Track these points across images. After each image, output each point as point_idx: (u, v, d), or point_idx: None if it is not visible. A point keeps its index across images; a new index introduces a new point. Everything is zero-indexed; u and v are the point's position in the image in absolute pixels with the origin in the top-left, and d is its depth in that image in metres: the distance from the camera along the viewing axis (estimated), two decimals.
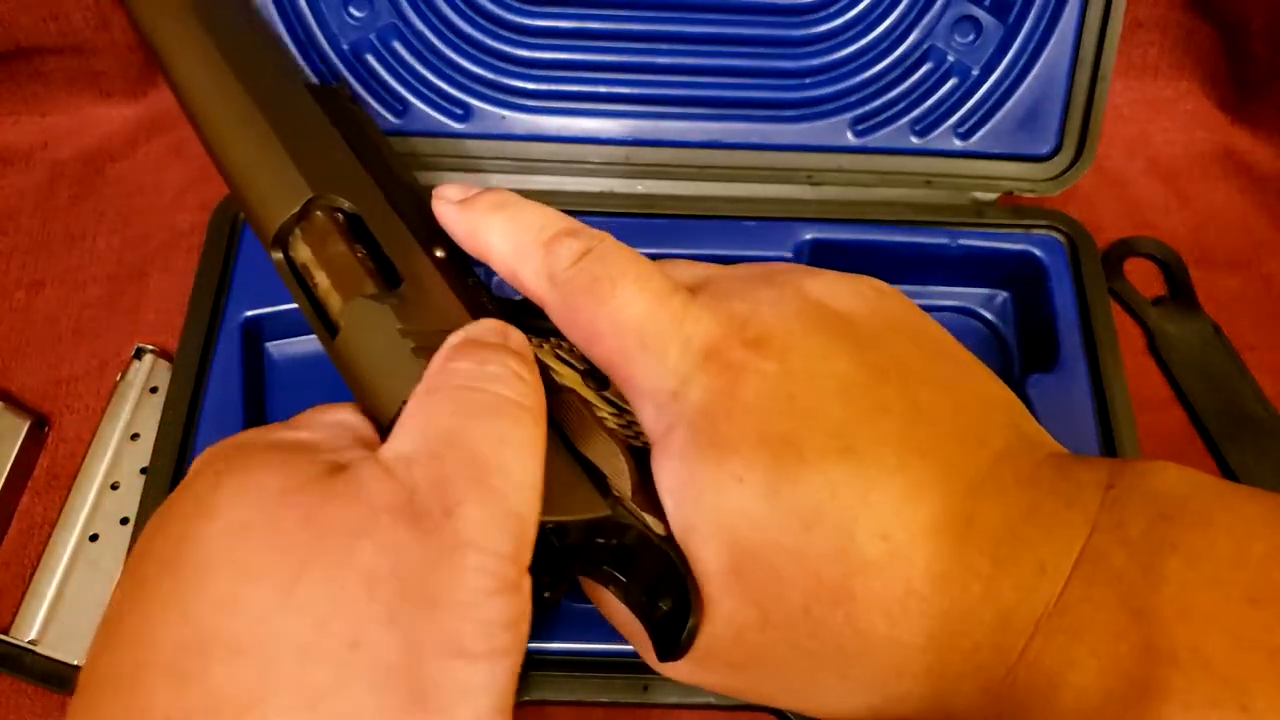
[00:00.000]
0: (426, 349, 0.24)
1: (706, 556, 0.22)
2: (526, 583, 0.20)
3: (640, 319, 0.24)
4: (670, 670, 0.24)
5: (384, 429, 0.23)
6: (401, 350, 0.24)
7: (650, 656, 0.24)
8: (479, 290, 0.27)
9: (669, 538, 0.23)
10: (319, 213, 0.27)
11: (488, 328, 0.24)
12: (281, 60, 0.33)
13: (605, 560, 0.24)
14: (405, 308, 0.25)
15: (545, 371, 0.25)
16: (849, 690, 0.22)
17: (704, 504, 0.22)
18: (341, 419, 0.23)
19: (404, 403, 0.22)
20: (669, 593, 0.22)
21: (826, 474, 0.21)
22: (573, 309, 0.24)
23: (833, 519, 0.21)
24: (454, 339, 0.23)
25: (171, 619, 0.18)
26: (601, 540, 0.23)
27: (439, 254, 0.27)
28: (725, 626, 0.22)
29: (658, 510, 0.23)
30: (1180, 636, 0.19)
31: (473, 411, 0.21)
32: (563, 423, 0.24)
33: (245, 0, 0.35)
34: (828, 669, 0.22)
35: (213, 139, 0.28)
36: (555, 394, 0.24)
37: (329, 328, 0.25)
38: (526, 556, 0.20)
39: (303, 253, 0.26)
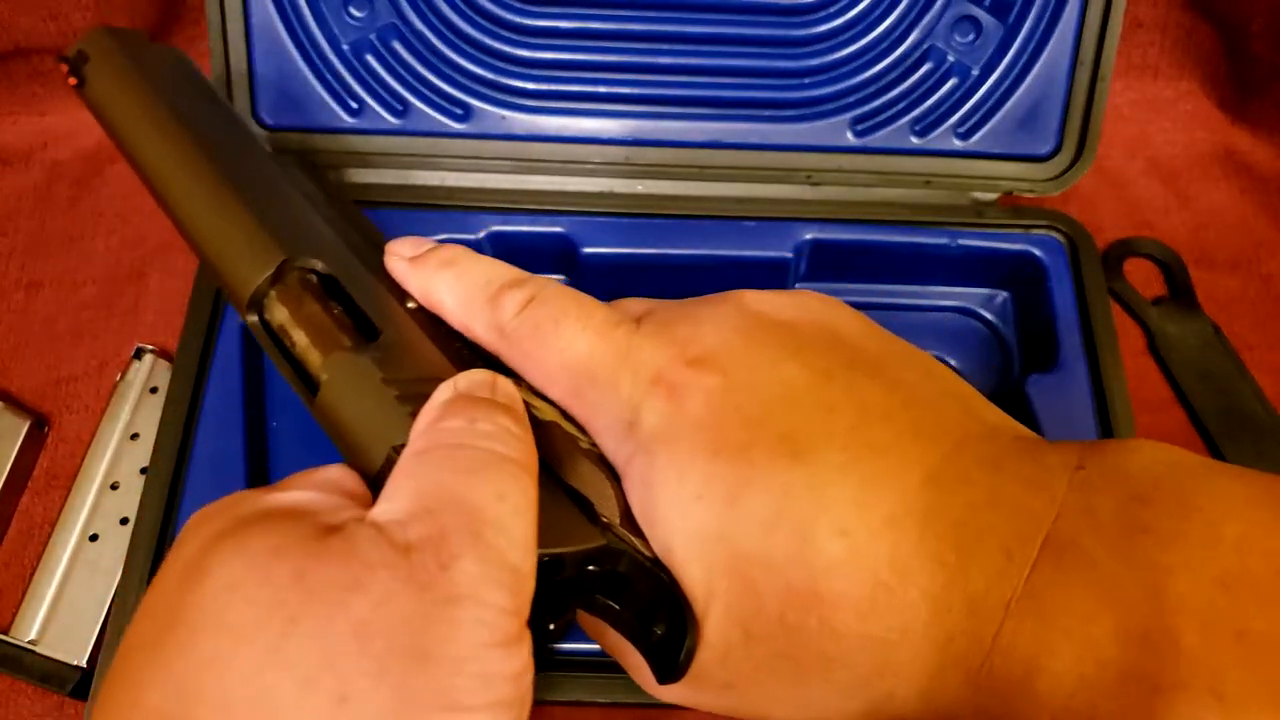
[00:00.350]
0: (410, 398, 0.23)
1: (684, 578, 0.22)
2: (527, 636, 0.20)
3: (587, 356, 0.24)
4: (666, 694, 0.24)
5: (372, 481, 0.23)
6: (385, 401, 0.24)
7: (644, 679, 0.24)
8: (455, 336, 0.27)
9: (657, 560, 0.23)
10: (292, 274, 0.26)
11: (475, 381, 0.24)
12: (240, 127, 0.33)
13: (598, 588, 0.24)
14: (385, 359, 0.24)
15: (527, 408, 0.25)
16: (838, 696, 0.22)
17: (673, 527, 0.22)
18: (331, 478, 0.23)
19: (392, 451, 0.22)
20: (663, 615, 0.22)
21: (779, 478, 0.22)
22: (524, 355, 0.25)
23: (791, 522, 0.21)
24: (441, 395, 0.23)
25: (159, 679, 0.18)
26: (594, 568, 0.23)
27: (411, 305, 0.27)
28: (711, 646, 0.22)
29: (643, 536, 0.23)
30: (1152, 620, 0.18)
31: (466, 469, 0.21)
32: (548, 455, 0.24)
33: (197, 72, 0.35)
34: (813, 677, 0.22)
35: (180, 213, 0.28)
36: (538, 427, 0.24)
37: (310, 386, 0.25)
38: (526, 610, 0.20)
39: (279, 314, 0.26)
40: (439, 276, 0.27)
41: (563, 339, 0.24)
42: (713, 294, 0.26)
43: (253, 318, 0.26)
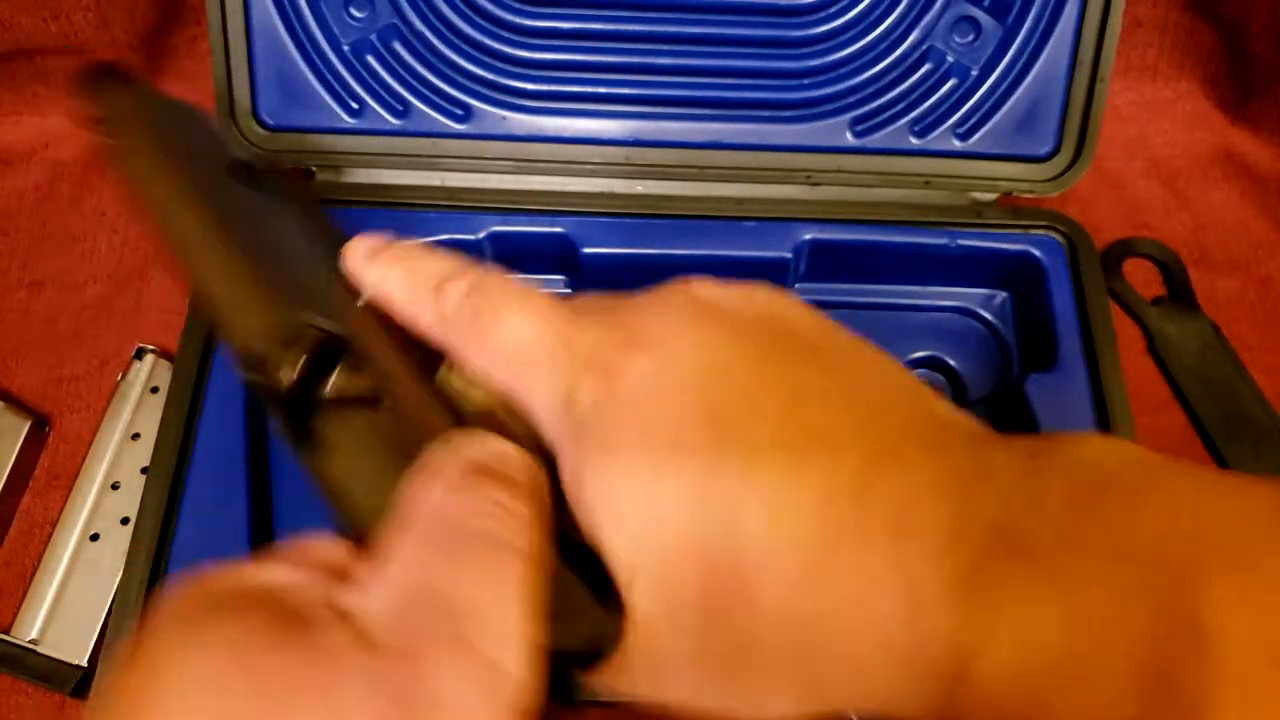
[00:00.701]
0: (407, 459, 0.23)
1: (609, 560, 0.21)
2: None
3: (527, 340, 0.24)
4: (598, 685, 0.23)
5: (362, 549, 0.22)
6: (387, 464, 0.23)
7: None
8: (406, 338, 0.27)
9: (583, 545, 0.22)
10: (292, 332, 0.26)
11: (478, 447, 0.23)
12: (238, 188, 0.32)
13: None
14: (390, 418, 0.24)
15: (461, 396, 0.25)
16: (771, 683, 0.21)
17: (599, 507, 0.22)
18: (318, 553, 0.22)
19: (384, 526, 0.21)
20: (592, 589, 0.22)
21: (705, 458, 0.21)
22: (465, 343, 0.25)
23: (717, 502, 0.21)
24: (439, 460, 0.22)
25: None
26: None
27: (361, 303, 0.27)
28: (636, 629, 0.21)
29: (571, 518, 0.23)
30: (1098, 609, 0.18)
31: (456, 556, 0.20)
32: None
33: (203, 124, 0.35)
34: (743, 661, 0.21)
35: (194, 275, 0.28)
36: (475, 417, 0.24)
37: (302, 440, 0.25)
38: (524, 713, 0.19)
39: (280, 372, 0.26)
40: (390, 271, 0.27)
41: (503, 325, 0.24)
42: (663, 284, 0.26)
43: (251, 374, 0.25)
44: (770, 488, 0.21)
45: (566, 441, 0.23)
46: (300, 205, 0.33)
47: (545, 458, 0.24)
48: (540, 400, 0.24)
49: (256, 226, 0.29)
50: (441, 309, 0.25)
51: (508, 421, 0.25)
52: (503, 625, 0.19)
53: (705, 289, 0.25)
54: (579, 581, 0.22)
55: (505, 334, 0.24)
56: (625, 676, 0.23)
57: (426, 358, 0.27)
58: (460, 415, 0.25)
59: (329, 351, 0.24)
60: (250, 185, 0.31)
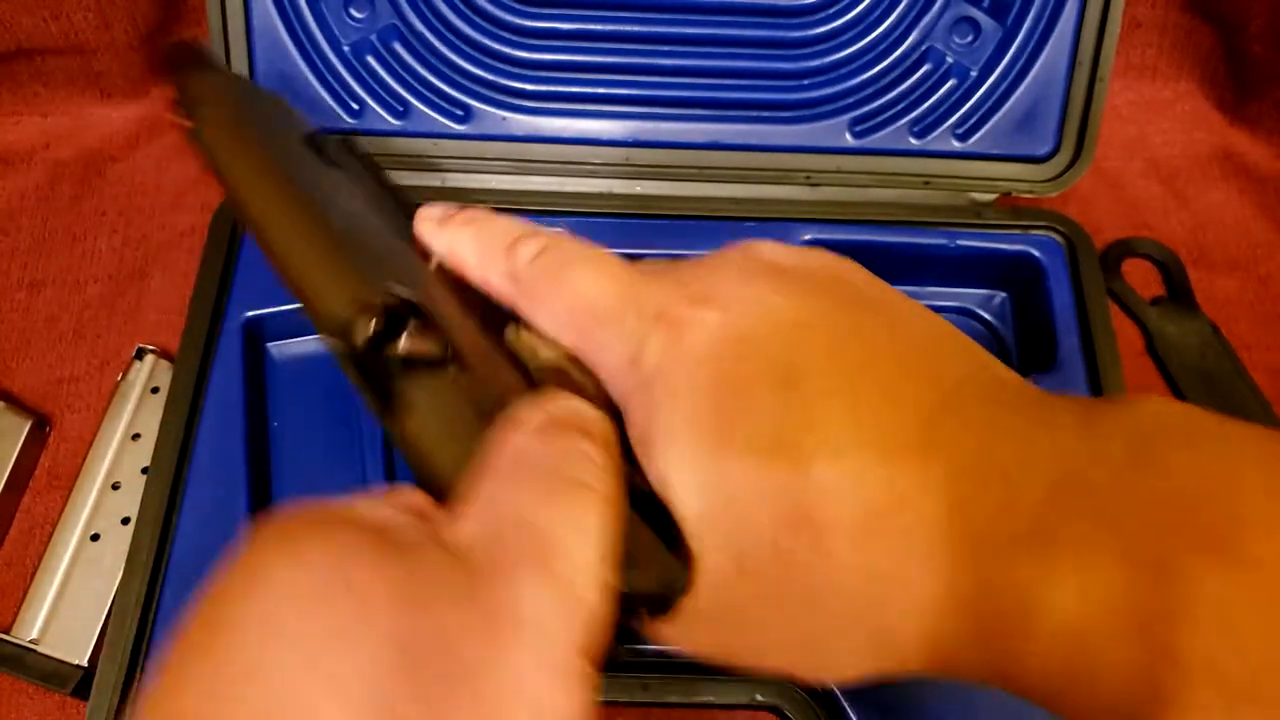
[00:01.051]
0: (488, 418, 0.23)
1: (678, 509, 0.22)
2: (591, 677, 0.19)
3: (595, 297, 0.25)
4: (661, 636, 0.23)
5: (446, 498, 0.23)
6: (464, 421, 0.24)
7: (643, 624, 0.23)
8: (477, 297, 0.28)
9: (652, 493, 0.23)
10: (376, 301, 0.27)
11: (562, 404, 0.23)
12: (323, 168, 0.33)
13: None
14: (463, 377, 0.25)
15: (534, 353, 0.26)
16: (836, 632, 0.22)
17: (668, 457, 0.22)
18: (406, 500, 0.23)
19: (468, 475, 0.22)
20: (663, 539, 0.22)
21: (772, 404, 0.21)
22: (535, 301, 0.26)
23: (785, 448, 0.21)
24: (525, 415, 0.23)
25: (202, 683, 0.18)
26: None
27: (434, 265, 0.28)
28: (704, 577, 0.22)
29: (640, 470, 0.23)
30: (1161, 555, 0.18)
31: (544, 494, 0.21)
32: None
33: (288, 112, 0.35)
34: (808, 608, 0.22)
35: (280, 252, 0.29)
36: (544, 372, 0.25)
37: (387, 405, 0.25)
38: (593, 649, 0.20)
39: (361, 338, 0.27)
40: (461, 233, 0.28)
41: (575, 283, 0.25)
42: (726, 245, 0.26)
43: (336, 342, 0.26)
44: (837, 437, 0.21)
45: (635, 396, 0.23)
46: (370, 174, 0.34)
47: (613, 414, 0.24)
48: (609, 357, 0.24)
49: (333, 197, 0.30)
50: (513, 268, 0.26)
51: (577, 379, 0.25)
52: (583, 557, 0.20)
53: (768, 249, 0.25)
54: (650, 530, 0.22)
55: (575, 293, 0.25)
56: (690, 628, 0.23)
57: (496, 319, 0.27)
58: (529, 373, 0.26)
59: (401, 315, 0.25)
60: (324, 158, 0.32)
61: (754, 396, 0.22)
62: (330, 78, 0.46)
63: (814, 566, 0.21)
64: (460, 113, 0.46)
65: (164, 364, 0.44)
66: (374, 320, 0.24)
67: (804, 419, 0.21)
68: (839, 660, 0.22)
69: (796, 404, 0.21)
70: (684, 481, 0.22)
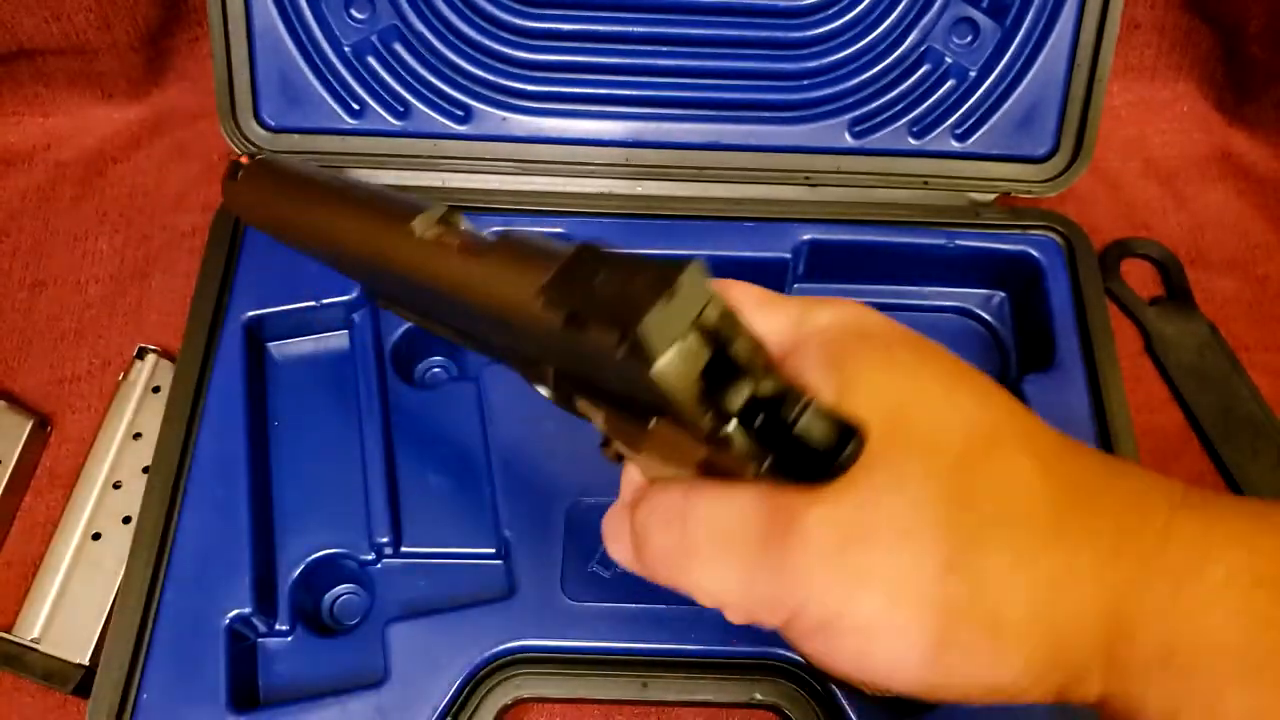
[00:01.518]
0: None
1: (863, 420, 0.23)
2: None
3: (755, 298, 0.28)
4: (806, 515, 0.23)
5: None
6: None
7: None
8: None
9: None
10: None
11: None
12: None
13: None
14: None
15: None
16: (1005, 548, 0.23)
17: (861, 379, 0.24)
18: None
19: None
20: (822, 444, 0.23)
21: (946, 363, 0.26)
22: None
23: (972, 382, 0.25)
24: None
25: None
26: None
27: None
28: (862, 483, 0.23)
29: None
30: None
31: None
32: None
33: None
34: (969, 535, 0.22)
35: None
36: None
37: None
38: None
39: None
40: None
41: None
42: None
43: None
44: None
45: (810, 341, 0.26)
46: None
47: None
48: (771, 324, 0.27)
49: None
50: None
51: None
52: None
53: (872, 317, 0.29)
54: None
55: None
56: (830, 529, 0.23)
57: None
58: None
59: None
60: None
61: (931, 357, 0.27)
62: (331, 78, 0.46)
63: (988, 488, 0.23)
64: (461, 113, 0.47)
65: (165, 364, 0.44)
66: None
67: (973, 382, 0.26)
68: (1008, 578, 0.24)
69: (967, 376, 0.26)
70: (873, 400, 0.24)
